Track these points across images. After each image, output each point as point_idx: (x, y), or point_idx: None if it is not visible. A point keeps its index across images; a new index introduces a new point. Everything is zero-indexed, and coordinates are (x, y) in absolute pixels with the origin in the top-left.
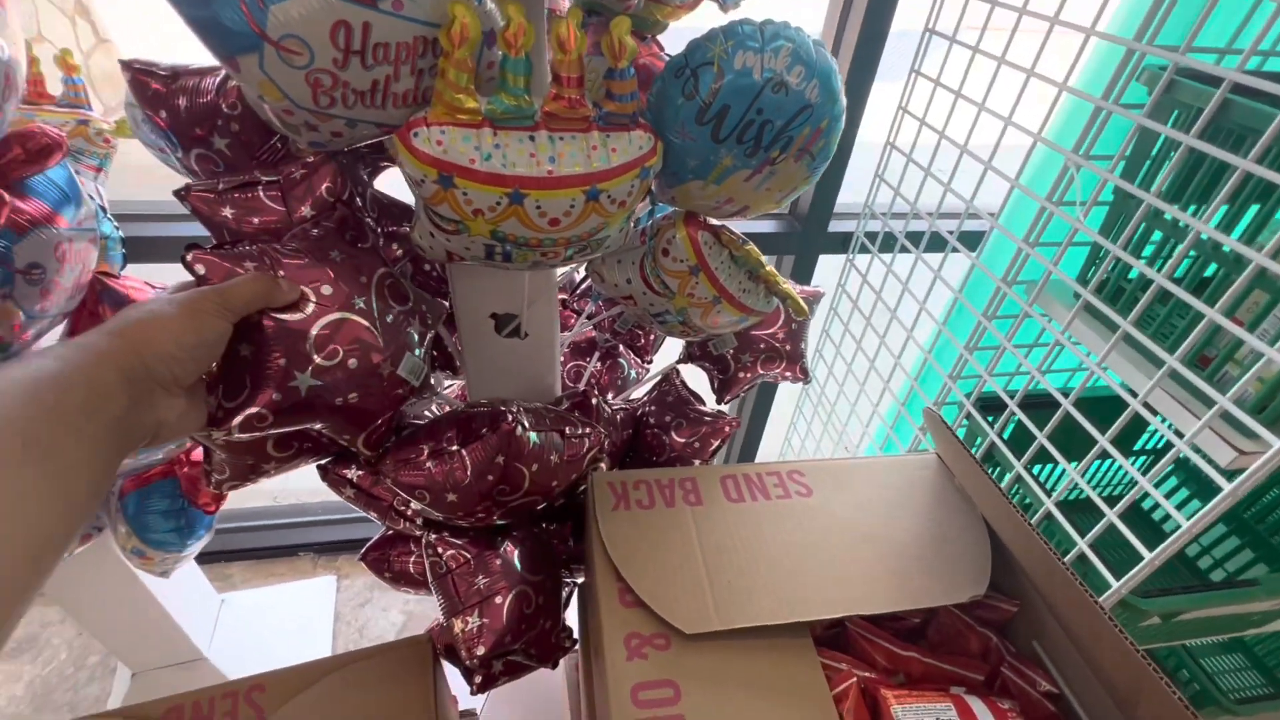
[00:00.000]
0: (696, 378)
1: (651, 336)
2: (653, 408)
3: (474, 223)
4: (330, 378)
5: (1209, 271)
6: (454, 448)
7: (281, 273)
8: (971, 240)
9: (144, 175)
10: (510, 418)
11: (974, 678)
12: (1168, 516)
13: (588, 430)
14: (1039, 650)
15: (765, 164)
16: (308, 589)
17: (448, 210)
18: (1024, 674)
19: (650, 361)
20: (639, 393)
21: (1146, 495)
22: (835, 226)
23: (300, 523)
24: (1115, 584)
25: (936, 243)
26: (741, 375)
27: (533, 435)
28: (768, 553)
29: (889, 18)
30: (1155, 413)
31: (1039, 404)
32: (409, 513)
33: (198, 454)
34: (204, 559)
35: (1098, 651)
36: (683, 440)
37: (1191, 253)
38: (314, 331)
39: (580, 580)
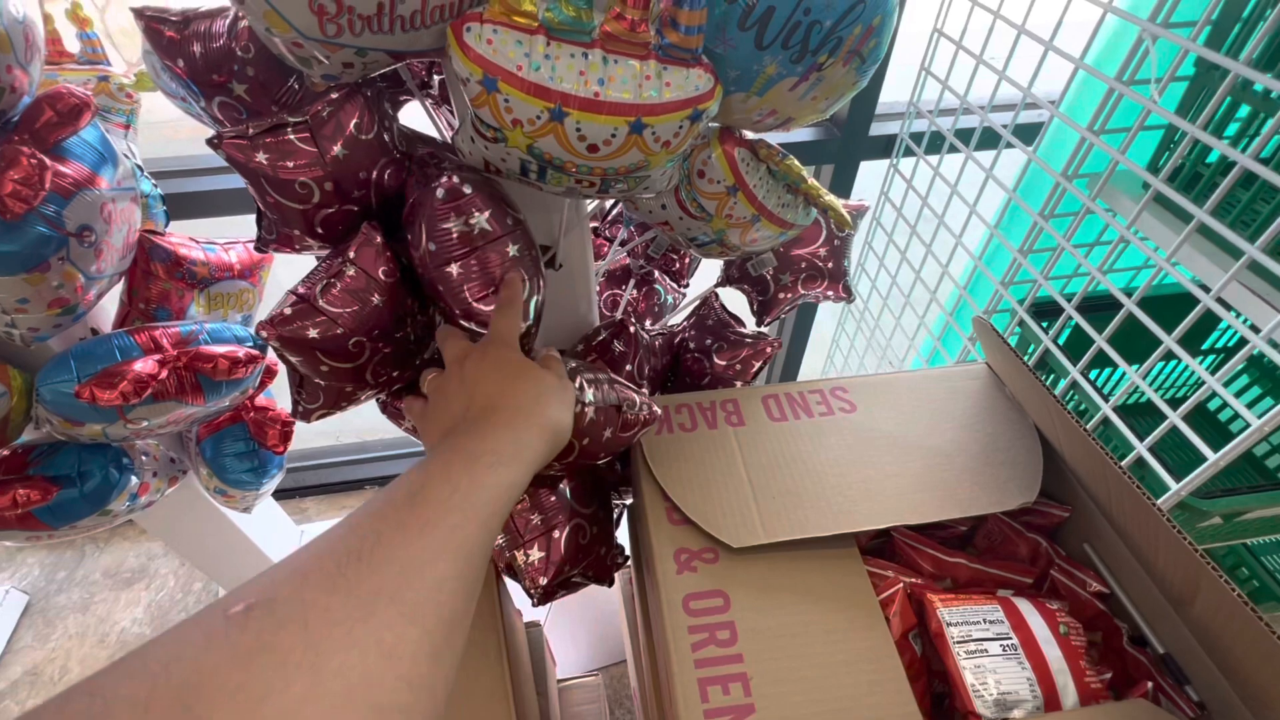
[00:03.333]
0: (736, 300)
1: (687, 260)
2: (692, 332)
3: (512, 133)
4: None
5: None
6: None
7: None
8: (1026, 135)
9: (172, 129)
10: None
11: (1022, 581)
12: (1234, 416)
13: (644, 413)
14: (1090, 552)
15: (812, 70)
16: None
17: (489, 115)
18: (1074, 575)
19: (687, 285)
20: (678, 318)
21: (1212, 395)
22: (877, 129)
23: (362, 459)
24: (1175, 486)
25: (987, 140)
26: (782, 296)
27: (590, 412)
28: (812, 468)
29: None
30: (1229, 308)
31: (1097, 306)
32: None
33: (261, 400)
34: (280, 495)
35: (1152, 552)
36: (724, 363)
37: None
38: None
39: (629, 501)
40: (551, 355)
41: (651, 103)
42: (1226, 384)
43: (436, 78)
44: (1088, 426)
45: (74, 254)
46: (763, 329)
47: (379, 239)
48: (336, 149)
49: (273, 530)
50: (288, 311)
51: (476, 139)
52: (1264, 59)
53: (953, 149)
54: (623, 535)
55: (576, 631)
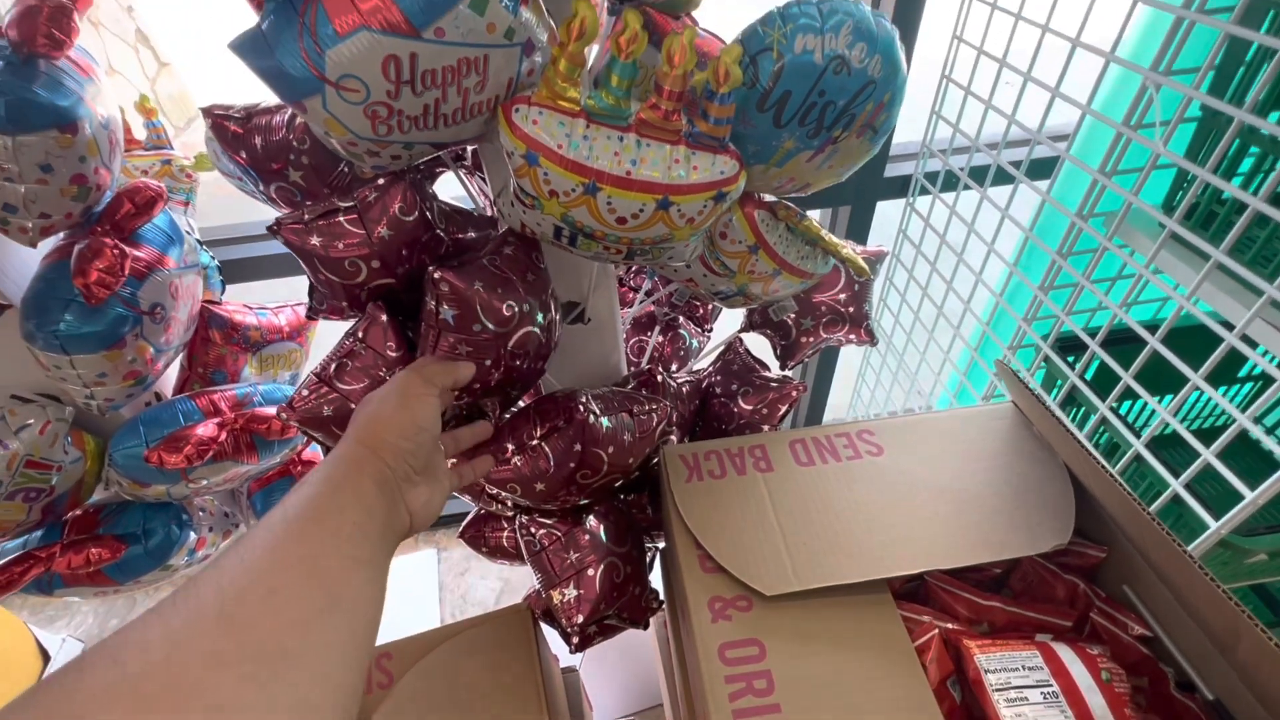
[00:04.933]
0: (760, 345)
1: (710, 305)
2: (718, 377)
3: (548, 203)
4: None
5: None
6: (534, 442)
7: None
8: (1042, 169)
9: (216, 187)
10: (582, 408)
11: (1061, 624)
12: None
13: (654, 406)
14: (1130, 594)
15: (828, 144)
16: (413, 562)
17: (529, 185)
18: (1114, 619)
19: (710, 330)
20: (703, 363)
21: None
22: (891, 170)
23: None
24: (1214, 525)
25: (1001, 177)
26: (804, 340)
27: (605, 420)
28: (842, 513)
29: None
30: (1254, 345)
31: (1122, 340)
32: (500, 496)
33: (308, 454)
34: None
35: (1191, 595)
36: (750, 408)
37: None
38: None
39: (661, 545)
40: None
41: (679, 183)
42: (1260, 418)
43: (469, 148)
44: (1122, 462)
45: (147, 330)
46: (787, 372)
47: (384, 318)
48: (382, 230)
49: None
50: (305, 393)
51: (516, 204)
52: (1269, 103)
53: (967, 187)
54: (655, 579)
55: (612, 675)
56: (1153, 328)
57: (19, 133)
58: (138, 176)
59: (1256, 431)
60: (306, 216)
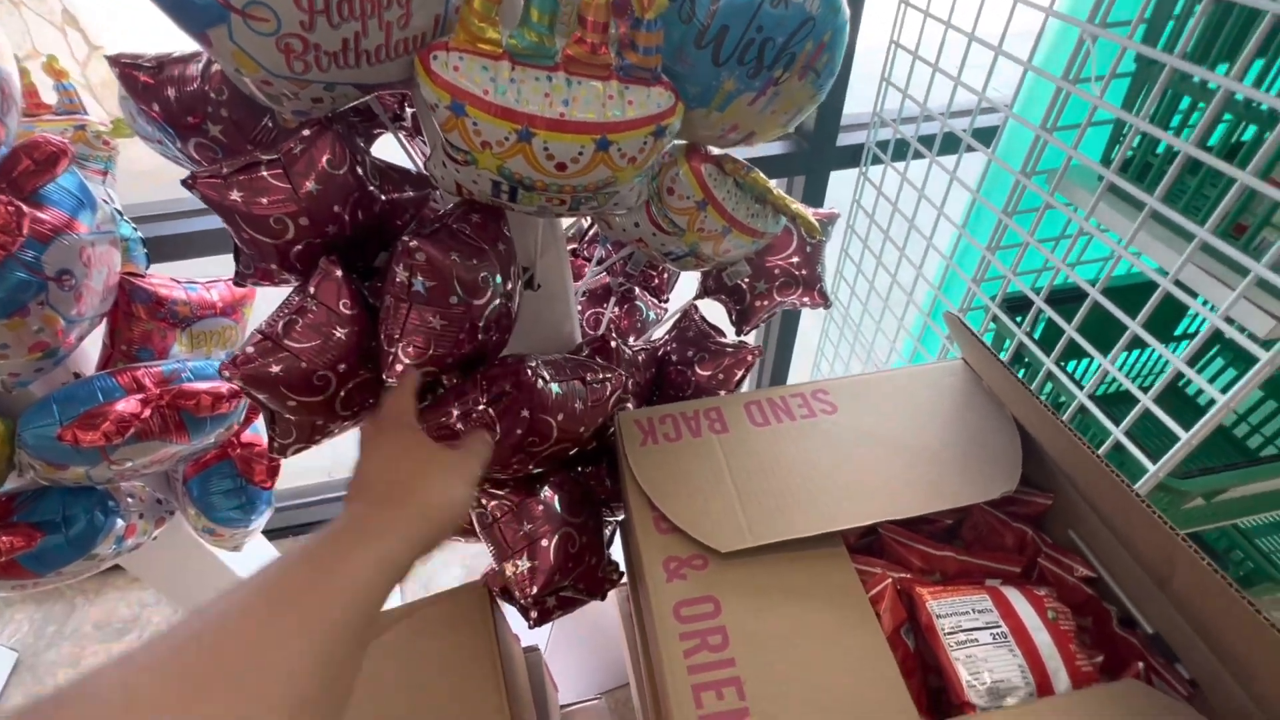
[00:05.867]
0: (715, 312)
1: (665, 275)
2: (674, 345)
3: (482, 155)
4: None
5: (1246, 136)
6: (481, 407)
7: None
8: (986, 138)
9: (153, 179)
10: (530, 372)
11: (1010, 570)
12: (1213, 401)
13: (608, 375)
14: (1075, 538)
15: (769, 85)
16: None
17: (458, 139)
18: (1060, 562)
19: (667, 300)
20: (659, 332)
21: (1189, 380)
22: (844, 140)
23: None
24: (1152, 468)
25: (950, 144)
26: (758, 304)
27: (554, 386)
28: (797, 470)
29: None
30: (1194, 295)
31: (1070, 298)
32: None
33: (247, 436)
34: (274, 535)
35: (1131, 532)
36: (707, 374)
37: (1227, 117)
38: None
39: (621, 518)
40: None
41: (615, 121)
42: (1200, 369)
43: (409, 110)
44: (1065, 416)
45: (53, 298)
46: (744, 338)
47: (338, 273)
48: (309, 184)
49: None
50: (251, 350)
51: (448, 163)
52: (1197, 51)
53: (918, 155)
54: (618, 554)
55: (580, 655)
56: (1096, 286)
57: None
58: None
59: (1189, 371)
60: (225, 170)
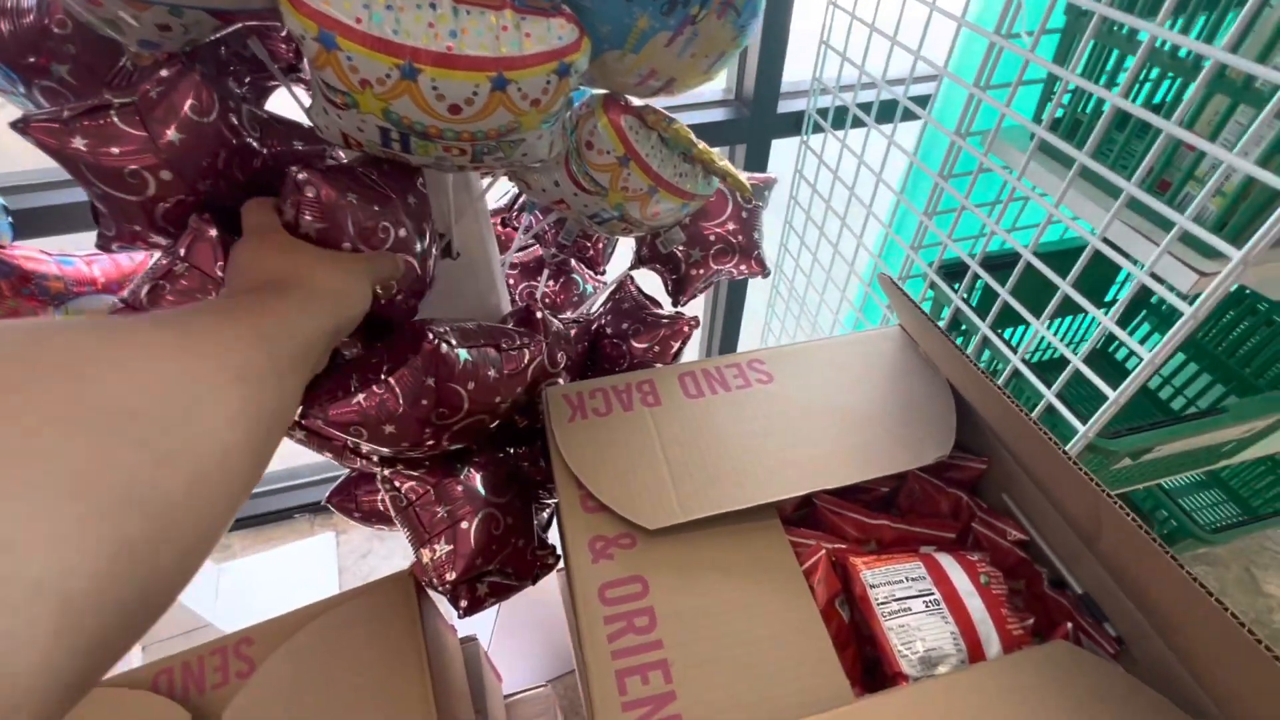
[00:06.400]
0: (653, 284)
1: (601, 245)
2: (609, 317)
3: (363, 96)
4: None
5: (1171, 96)
6: (381, 376)
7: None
8: (924, 104)
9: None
10: (432, 335)
11: (945, 536)
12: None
13: (525, 342)
14: (1008, 502)
15: (686, 23)
16: (308, 548)
17: (333, 77)
18: (994, 526)
19: (604, 273)
20: (595, 305)
21: (1119, 346)
22: (785, 107)
23: (291, 485)
24: (1082, 428)
25: (888, 111)
26: (694, 273)
27: (462, 352)
28: (729, 442)
29: None
30: (1127, 256)
31: (1006, 264)
32: (364, 450)
33: None
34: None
35: (1061, 492)
36: (642, 346)
37: (1154, 73)
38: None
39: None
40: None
41: (513, 55)
42: (1130, 331)
43: (306, 61)
44: (1000, 381)
45: None
46: (681, 309)
47: (212, 232)
48: (170, 133)
49: None
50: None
51: (329, 109)
52: (1123, 2)
53: (857, 122)
54: (556, 538)
55: (526, 642)
56: (1035, 253)
57: None
58: None
59: (1115, 329)
60: (66, 114)
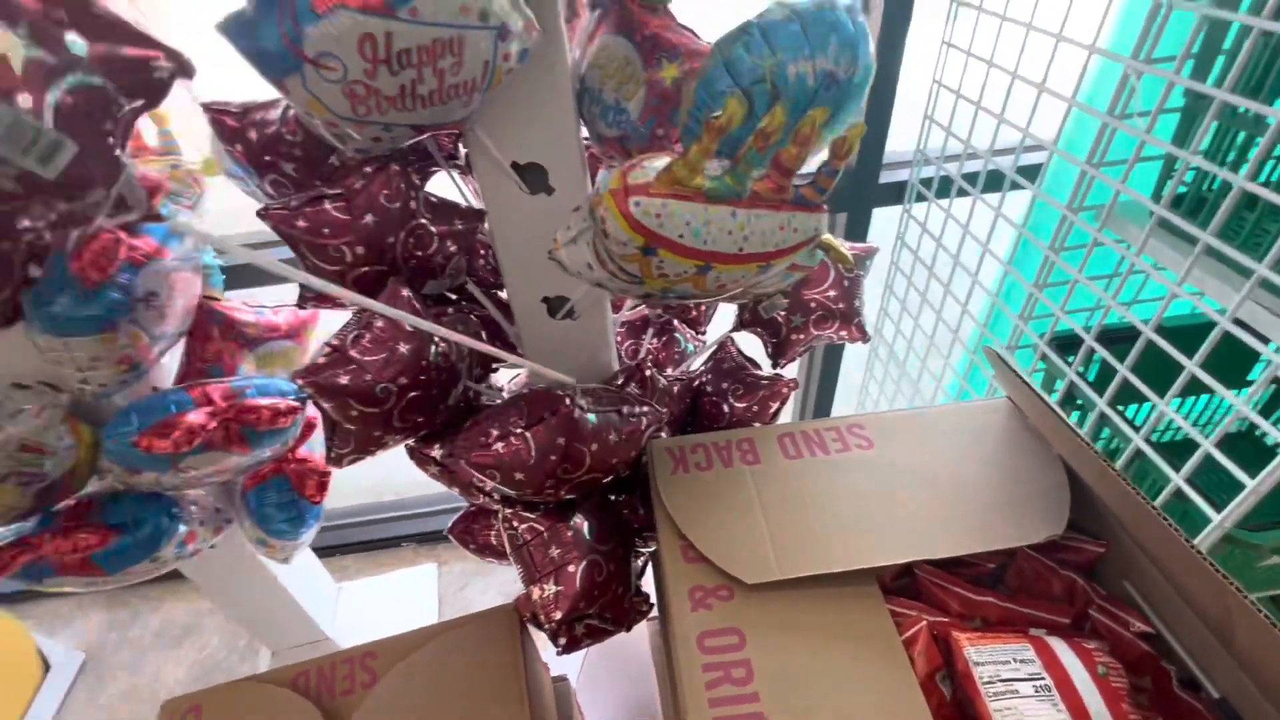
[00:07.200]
0: (753, 346)
1: (703, 308)
2: (709, 376)
3: (653, 281)
4: None
5: None
6: (519, 430)
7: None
8: (1030, 175)
9: (236, 220)
10: (569, 401)
11: (1058, 620)
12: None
13: (645, 409)
14: (1131, 590)
15: None
16: (413, 576)
17: (635, 269)
18: (1115, 615)
19: (704, 332)
20: (696, 364)
21: (1259, 428)
22: (886, 177)
23: (400, 516)
24: (1216, 518)
25: (994, 182)
26: (795, 338)
27: (591, 416)
28: (829, 504)
29: None
30: (1261, 337)
31: (1124, 339)
32: (487, 488)
33: (303, 452)
34: (322, 552)
35: (1188, 582)
36: (742, 406)
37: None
38: None
39: (654, 549)
40: None
41: (779, 249)
42: (1264, 412)
43: (462, 150)
44: (1120, 460)
45: (141, 317)
46: (780, 371)
47: (404, 292)
48: (367, 217)
49: (312, 586)
50: (321, 360)
51: (597, 269)
52: (1249, 84)
53: (962, 192)
54: (651, 587)
55: (612, 689)
56: (1158, 329)
57: None
58: None
59: (1252, 415)
60: (294, 203)
